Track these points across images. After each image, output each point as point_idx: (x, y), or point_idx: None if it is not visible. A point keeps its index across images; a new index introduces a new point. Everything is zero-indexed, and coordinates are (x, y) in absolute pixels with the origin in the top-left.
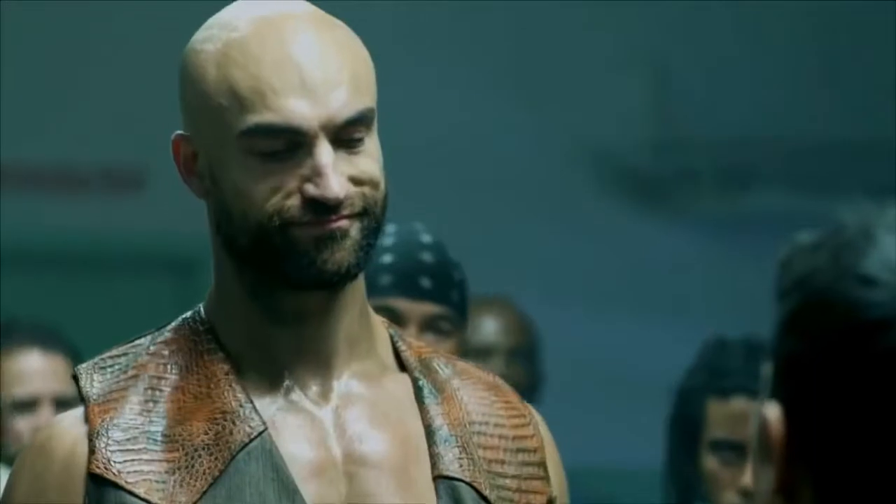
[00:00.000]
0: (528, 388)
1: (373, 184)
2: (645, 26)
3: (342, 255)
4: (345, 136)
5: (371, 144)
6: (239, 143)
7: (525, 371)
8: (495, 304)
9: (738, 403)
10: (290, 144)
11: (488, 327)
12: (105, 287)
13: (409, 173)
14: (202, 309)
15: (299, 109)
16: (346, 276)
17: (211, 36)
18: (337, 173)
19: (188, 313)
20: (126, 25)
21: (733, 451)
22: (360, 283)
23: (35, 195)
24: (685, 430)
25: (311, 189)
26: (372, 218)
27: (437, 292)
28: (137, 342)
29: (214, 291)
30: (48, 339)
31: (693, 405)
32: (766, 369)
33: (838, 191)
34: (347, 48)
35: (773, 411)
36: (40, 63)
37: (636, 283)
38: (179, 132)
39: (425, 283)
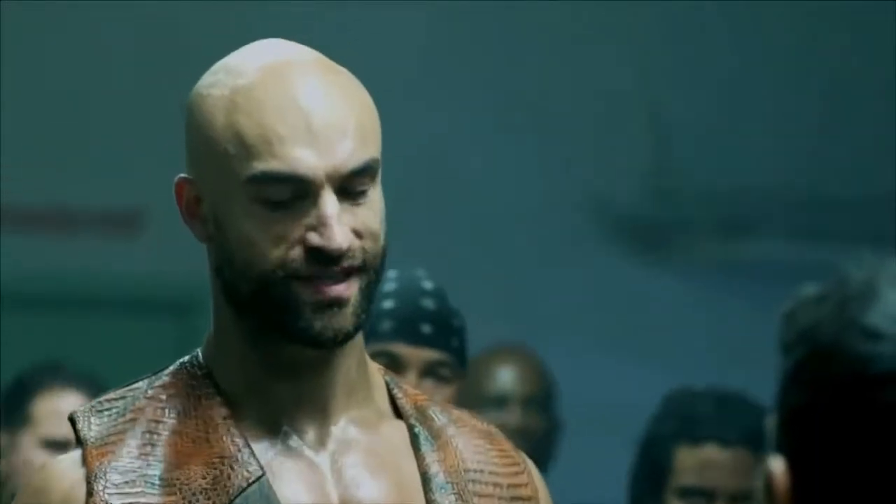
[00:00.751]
0: (545, 435)
1: (373, 237)
2: (645, 75)
3: (340, 321)
4: (349, 186)
5: (374, 195)
6: (245, 190)
7: (541, 418)
8: (512, 353)
9: (709, 451)
10: (296, 193)
11: (504, 376)
12: (103, 328)
13: (409, 221)
14: (200, 353)
15: (305, 158)
16: (344, 340)
17: (217, 81)
18: (341, 224)
19: (186, 357)
20: (125, 68)
21: (702, 496)
22: (358, 336)
23: (34, 237)
24: (652, 476)
25: (314, 239)
26: (371, 272)
27: (438, 338)
28: (135, 385)
29: (213, 336)
30: (93, 386)
31: (661, 452)
32: (771, 421)
33: (836, 241)
34: (353, 97)
35: (777, 464)
36: (39, 105)
37: (634, 330)
38: (183, 175)
39: (426, 329)
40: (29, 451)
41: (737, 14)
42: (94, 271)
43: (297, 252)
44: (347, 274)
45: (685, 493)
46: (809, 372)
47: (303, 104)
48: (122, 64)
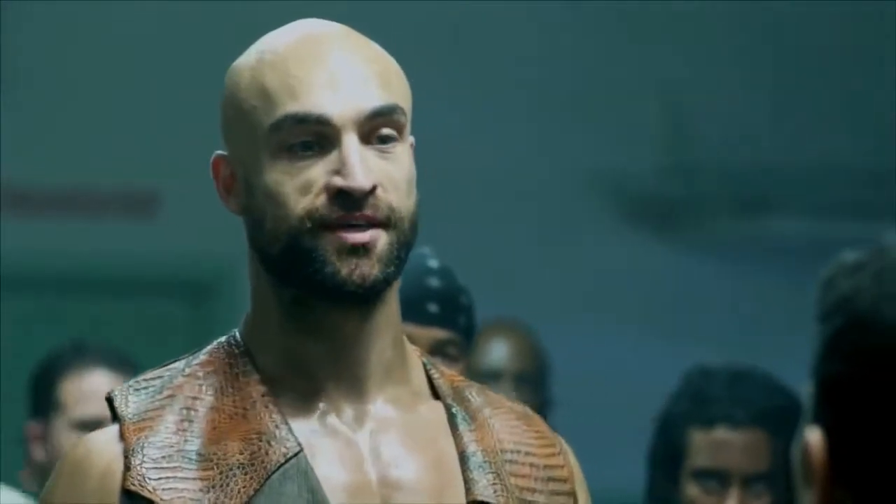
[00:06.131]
0: (538, 412)
1: (398, 192)
2: (659, 52)
3: (366, 268)
4: (373, 132)
5: (402, 153)
6: (270, 141)
7: (534, 395)
8: (505, 328)
9: (721, 432)
10: (319, 138)
11: (498, 351)
12: (120, 310)
13: (421, 199)
14: (237, 333)
15: (328, 100)
16: (372, 290)
17: (248, 53)
18: (364, 165)
19: (223, 337)
20: (142, 49)
21: (716, 479)
22: (394, 310)
23: (50, 218)
24: (668, 458)
25: (337, 181)
26: (399, 231)
27: (445, 317)
28: (172, 365)
29: (251, 315)
30: (118, 361)
31: (676, 433)
32: (807, 391)
33: (853, 216)
34: (380, 56)
35: (814, 435)
36: (56, 86)
37: (650, 308)
38: (219, 152)
39: (433, 308)
40: (62, 436)
41: None
42: (111, 252)
43: (322, 199)
44: (371, 224)
45: (699, 475)
46: (847, 342)
47: (327, 57)
48: (142, 45)
